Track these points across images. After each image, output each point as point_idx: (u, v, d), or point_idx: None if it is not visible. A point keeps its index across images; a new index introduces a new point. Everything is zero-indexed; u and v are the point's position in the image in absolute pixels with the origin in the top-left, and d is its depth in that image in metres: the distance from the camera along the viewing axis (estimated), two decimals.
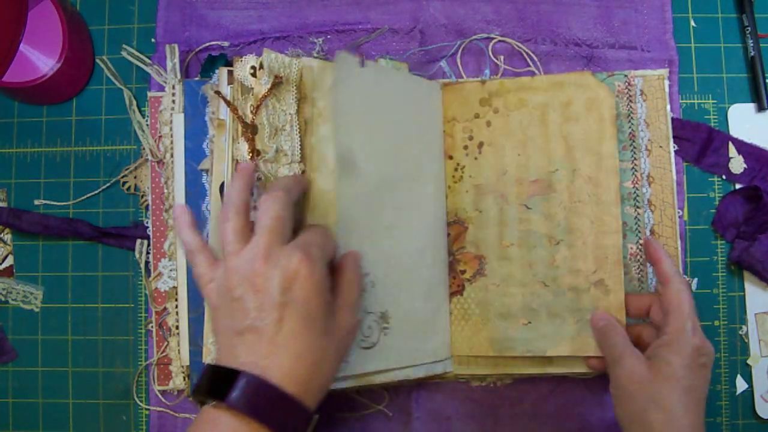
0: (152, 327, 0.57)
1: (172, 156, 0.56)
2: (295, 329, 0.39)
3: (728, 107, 0.59)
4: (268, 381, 0.38)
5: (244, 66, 0.49)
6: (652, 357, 0.46)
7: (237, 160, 0.49)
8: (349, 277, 0.44)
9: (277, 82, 0.49)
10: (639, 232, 0.55)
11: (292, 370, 0.38)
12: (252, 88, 0.49)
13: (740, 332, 0.58)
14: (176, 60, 0.57)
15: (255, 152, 0.49)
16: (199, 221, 0.53)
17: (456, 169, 0.56)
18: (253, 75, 0.49)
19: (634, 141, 0.56)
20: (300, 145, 0.49)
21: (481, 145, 0.55)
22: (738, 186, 0.58)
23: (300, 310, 0.39)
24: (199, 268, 0.43)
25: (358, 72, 0.50)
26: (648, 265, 0.55)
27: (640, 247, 0.55)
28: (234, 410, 0.37)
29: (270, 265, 0.39)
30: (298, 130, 0.49)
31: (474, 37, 0.59)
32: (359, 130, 0.50)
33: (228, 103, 0.50)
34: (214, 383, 0.38)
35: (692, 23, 0.60)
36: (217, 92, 0.51)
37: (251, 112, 0.49)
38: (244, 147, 0.49)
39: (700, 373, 0.45)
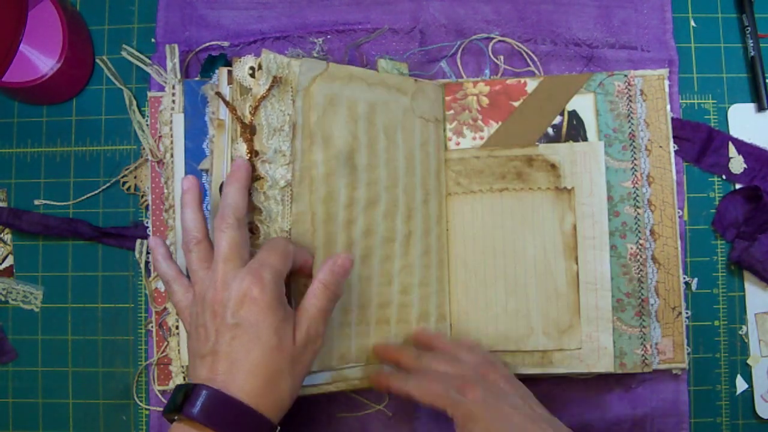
0: (152, 327, 0.57)
1: (172, 156, 0.56)
2: (247, 347, 0.41)
3: (728, 107, 0.59)
4: (224, 393, 0.40)
5: (242, 66, 0.49)
6: None
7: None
8: (313, 290, 0.45)
9: (276, 83, 0.49)
10: (639, 232, 0.55)
11: (246, 384, 0.41)
12: (250, 89, 0.49)
13: (740, 332, 0.58)
14: (176, 60, 0.57)
15: (254, 153, 0.49)
16: None
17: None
18: (252, 75, 0.49)
19: (633, 141, 0.56)
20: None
21: None
22: (738, 186, 0.58)
23: (250, 330, 0.42)
24: (176, 296, 0.46)
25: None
26: (648, 264, 0.55)
27: (639, 247, 0.55)
28: (195, 422, 0.40)
29: (225, 290, 0.43)
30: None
31: (474, 37, 0.59)
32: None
33: (227, 103, 0.50)
34: (179, 400, 0.41)
35: (692, 23, 0.60)
36: (217, 93, 0.51)
37: (250, 112, 0.49)
38: (242, 147, 0.49)
39: (501, 408, 0.46)
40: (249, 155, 0.49)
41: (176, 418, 0.41)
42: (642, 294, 0.55)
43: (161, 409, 0.57)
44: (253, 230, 0.49)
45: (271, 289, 0.43)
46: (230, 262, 0.44)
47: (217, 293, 0.43)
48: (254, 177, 0.48)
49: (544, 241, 0.55)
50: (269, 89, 0.49)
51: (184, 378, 0.55)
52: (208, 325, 0.43)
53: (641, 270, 0.55)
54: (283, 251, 0.45)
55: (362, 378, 0.52)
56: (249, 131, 0.49)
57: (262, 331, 0.42)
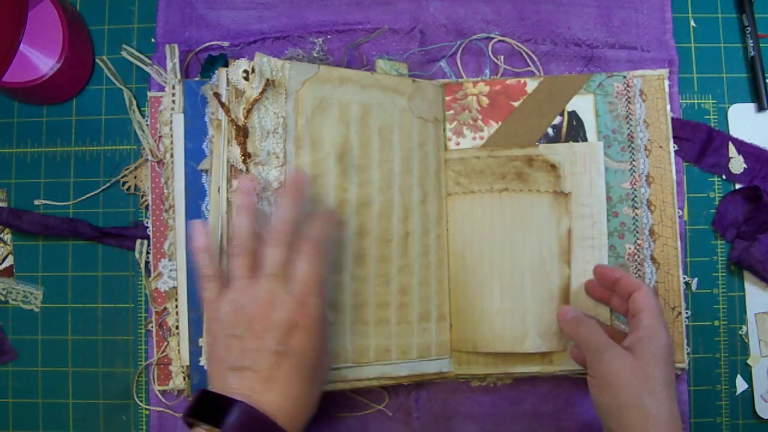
0: (152, 327, 0.57)
1: (172, 156, 0.56)
2: (288, 375, 0.42)
3: (728, 107, 0.59)
4: (261, 412, 0.40)
5: (236, 69, 0.50)
6: (632, 351, 0.46)
7: (233, 165, 0.49)
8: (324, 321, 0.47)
9: (269, 86, 0.49)
10: (637, 232, 0.55)
11: (282, 406, 0.42)
12: (244, 92, 0.49)
13: (740, 332, 0.58)
14: (176, 60, 0.57)
15: (246, 155, 0.49)
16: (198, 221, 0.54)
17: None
18: (246, 78, 0.50)
19: (632, 142, 0.56)
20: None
21: None
22: (738, 186, 0.58)
23: (295, 360, 0.43)
24: (209, 293, 0.46)
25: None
26: (646, 264, 0.55)
27: (638, 247, 0.55)
28: None
29: (272, 312, 0.43)
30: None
31: (474, 37, 0.59)
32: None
33: (222, 105, 0.50)
34: (208, 409, 0.41)
35: (692, 23, 0.60)
36: (214, 94, 0.51)
37: (243, 115, 0.49)
38: (236, 150, 0.49)
39: (672, 367, 0.47)
40: (242, 157, 0.49)
41: (204, 426, 0.41)
42: None
43: (161, 409, 0.57)
44: None
45: (317, 318, 0.44)
46: (279, 281, 0.44)
47: (260, 311, 0.43)
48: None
49: (541, 244, 0.55)
50: (262, 92, 0.49)
51: (184, 378, 0.55)
52: (246, 339, 0.42)
53: (639, 270, 0.55)
54: (323, 263, 0.45)
55: (361, 379, 0.52)
56: (242, 134, 0.49)
57: (305, 363, 0.43)
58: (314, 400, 0.45)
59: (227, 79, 0.50)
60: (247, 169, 0.49)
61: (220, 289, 0.45)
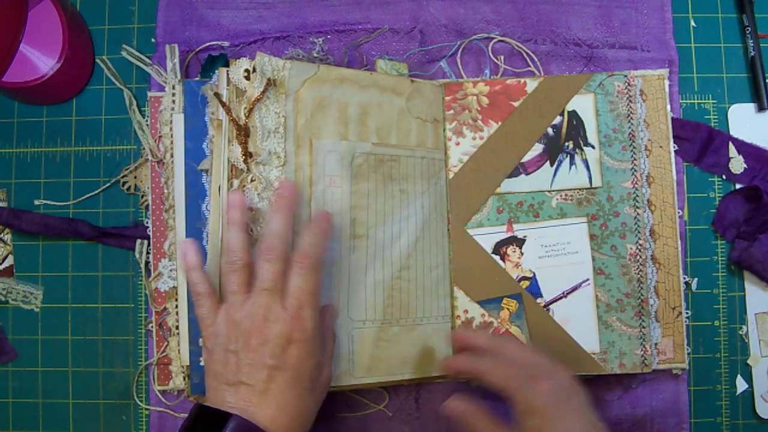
0: (152, 327, 0.57)
1: (172, 156, 0.56)
2: (283, 388, 0.43)
3: (728, 107, 0.59)
4: (255, 425, 0.41)
5: (237, 69, 0.50)
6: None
7: (234, 164, 0.49)
8: (327, 336, 0.48)
9: (270, 85, 0.49)
10: (639, 232, 0.55)
11: (277, 418, 0.42)
12: (245, 91, 0.49)
13: (740, 332, 0.58)
14: (176, 60, 0.57)
15: (248, 154, 0.49)
16: (199, 221, 0.54)
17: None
18: (247, 78, 0.50)
19: (633, 141, 0.56)
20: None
21: None
22: (738, 186, 0.58)
23: (289, 373, 0.43)
24: (202, 310, 0.46)
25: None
26: (647, 265, 0.55)
27: (639, 247, 0.55)
28: None
29: (266, 326, 0.44)
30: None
31: (474, 37, 0.59)
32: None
33: (223, 104, 0.50)
34: (206, 423, 0.42)
35: (692, 23, 0.60)
36: (215, 93, 0.51)
37: (244, 114, 0.49)
38: (237, 149, 0.49)
39: (575, 397, 0.45)
40: (243, 157, 0.49)
41: None
42: (641, 294, 0.55)
43: (161, 409, 0.57)
44: (248, 231, 0.49)
45: (311, 332, 0.44)
46: (273, 295, 0.44)
47: (255, 326, 0.44)
48: (248, 179, 0.49)
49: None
50: (264, 92, 0.49)
51: (184, 378, 0.55)
52: (241, 355, 0.43)
53: (641, 270, 0.55)
54: (317, 276, 0.45)
55: (366, 383, 0.52)
56: (243, 133, 0.49)
57: (300, 376, 0.44)
58: (311, 412, 0.45)
59: (228, 78, 0.50)
60: (249, 169, 0.49)
61: (214, 305, 0.46)
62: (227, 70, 0.51)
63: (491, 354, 0.49)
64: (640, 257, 0.55)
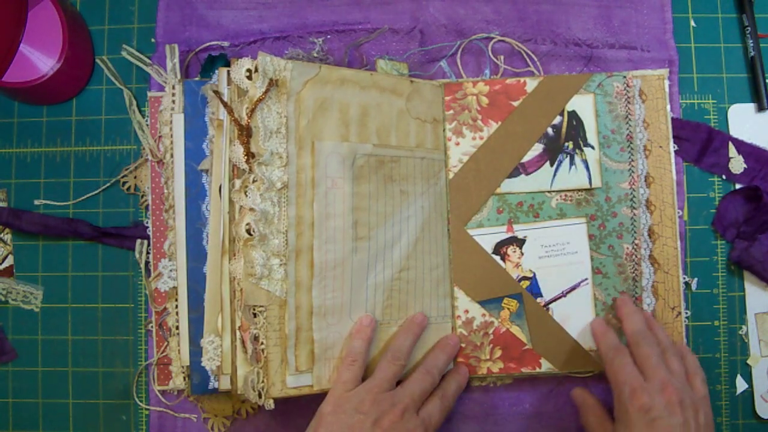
0: (152, 327, 0.57)
1: (172, 156, 0.56)
2: None
3: (728, 107, 0.59)
4: None
5: (239, 69, 0.50)
6: None
7: (235, 165, 0.49)
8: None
9: (272, 85, 0.49)
10: (635, 232, 0.55)
11: None
12: (247, 91, 0.49)
13: (740, 332, 0.58)
14: (176, 60, 0.57)
15: (250, 155, 0.49)
16: (199, 221, 0.54)
17: None
18: (249, 78, 0.49)
19: (631, 142, 0.56)
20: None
21: None
22: (738, 186, 0.58)
23: None
24: (345, 376, 0.49)
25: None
26: (643, 264, 0.55)
27: (635, 247, 0.55)
28: None
29: (400, 422, 0.47)
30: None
31: (474, 37, 0.59)
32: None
33: (224, 104, 0.50)
34: None
35: (692, 23, 0.60)
36: (217, 93, 0.51)
37: (246, 114, 0.49)
38: (239, 150, 0.49)
39: (655, 427, 0.45)
40: (246, 157, 0.49)
41: None
42: (636, 292, 0.55)
43: (161, 409, 0.57)
44: (250, 231, 0.49)
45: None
46: (409, 410, 0.48)
47: (385, 420, 0.47)
48: (251, 179, 0.49)
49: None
50: (266, 92, 0.49)
51: (184, 378, 0.55)
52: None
53: (636, 270, 0.55)
54: (447, 412, 0.52)
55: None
56: (245, 133, 0.49)
57: None
58: None
59: (229, 78, 0.50)
60: (251, 169, 0.49)
61: (357, 381, 0.49)
62: (228, 70, 0.51)
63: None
64: (635, 257, 0.55)
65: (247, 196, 0.49)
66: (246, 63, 0.50)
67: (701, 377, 0.49)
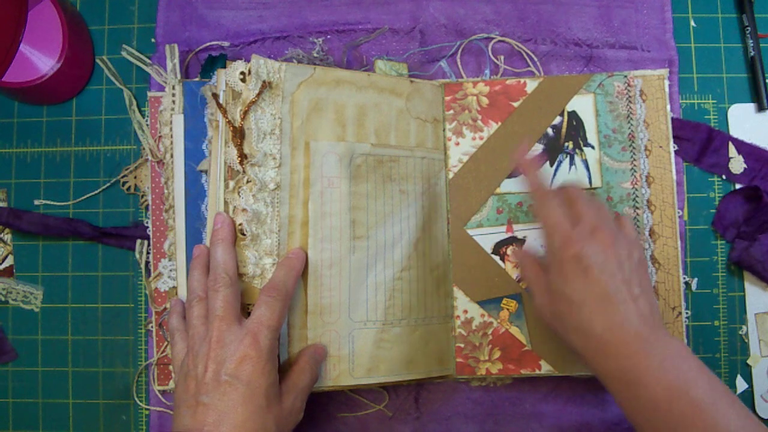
0: (152, 327, 0.57)
1: (172, 156, 0.56)
2: (237, 403, 0.43)
3: (728, 107, 0.59)
4: None
5: (233, 71, 0.50)
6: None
7: (230, 166, 0.50)
8: (302, 366, 0.48)
9: (266, 88, 0.49)
10: (638, 232, 0.55)
11: None
12: (241, 93, 0.49)
13: (740, 332, 0.58)
14: (176, 60, 0.57)
15: (243, 156, 0.49)
16: (199, 221, 0.54)
17: None
18: (243, 80, 0.50)
19: (633, 142, 0.56)
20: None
21: None
22: (738, 186, 0.58)
23: (242, 388, 0.44)
24: (177, 346, 0.49)
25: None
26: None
27: None
28: None
29: (221, 347, 0.45)
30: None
31: (474, 37, 0.59)
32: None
33: (219, 106, 0.50)
34: None
35: (692, 23, 0.60)
36: (213, 95, 0.51)
37: (240, 116, 0.49)
38: (233, 151, 0.49)
39: (590, 275, 0.45)
40: (239, 158, 0.49)
41: None
42: None
43: (161, 409, 0.57)
44: (242, 231, 0.49)
45: (267, 351, 0.45)
46: (225, 320, 0.46)
47: (212, 349, 0.45)
48: (244, 180, 0.49)
49: None
50: (259, 94, 0.49)
51: None
52: (199, 377, 0.45)
53: None
54: (282, 306, 0.47)
55: (366, 383, 0.52)
56: (238, 135, 0.49)
57: (254, 391, 0.44)
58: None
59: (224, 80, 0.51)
60: (244, 170, 0.49)
61: (185, 340, 0.49)
62: (224, 72, 0.51)
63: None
64: None
65: (239, 196, 0.49)
66: (240, 66, 0.50)
67: (629, 221, 0.51)
